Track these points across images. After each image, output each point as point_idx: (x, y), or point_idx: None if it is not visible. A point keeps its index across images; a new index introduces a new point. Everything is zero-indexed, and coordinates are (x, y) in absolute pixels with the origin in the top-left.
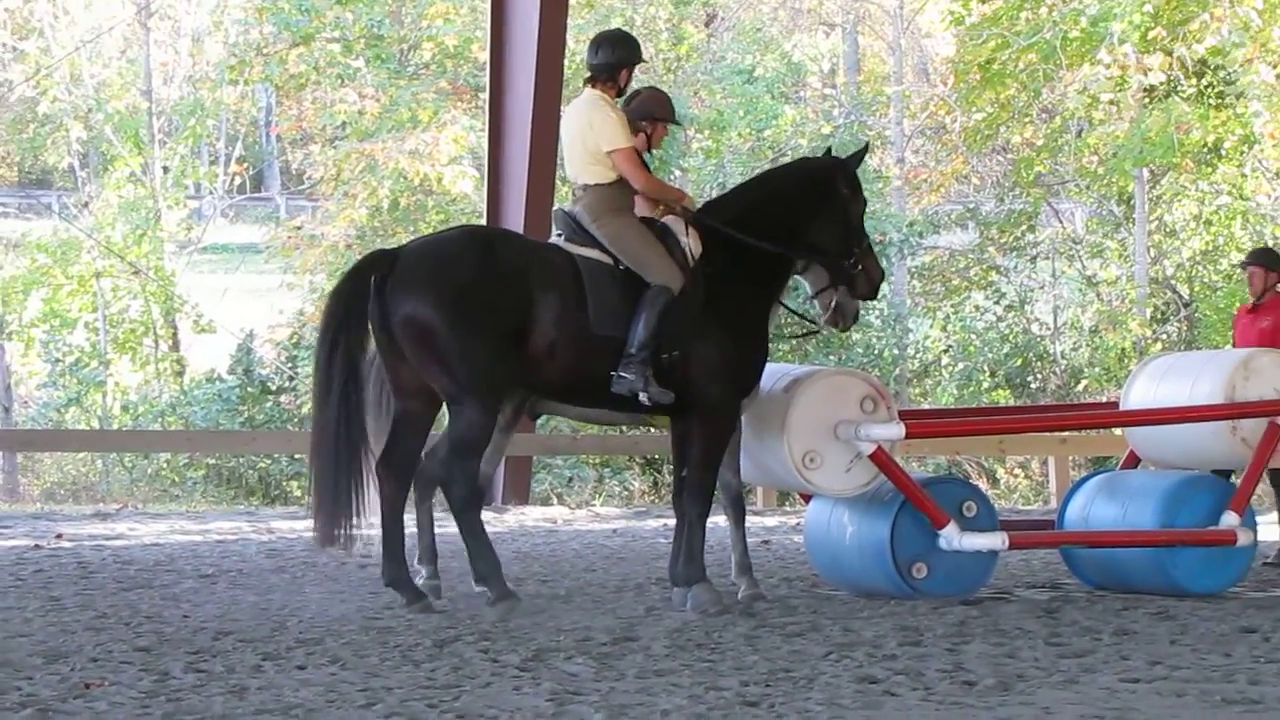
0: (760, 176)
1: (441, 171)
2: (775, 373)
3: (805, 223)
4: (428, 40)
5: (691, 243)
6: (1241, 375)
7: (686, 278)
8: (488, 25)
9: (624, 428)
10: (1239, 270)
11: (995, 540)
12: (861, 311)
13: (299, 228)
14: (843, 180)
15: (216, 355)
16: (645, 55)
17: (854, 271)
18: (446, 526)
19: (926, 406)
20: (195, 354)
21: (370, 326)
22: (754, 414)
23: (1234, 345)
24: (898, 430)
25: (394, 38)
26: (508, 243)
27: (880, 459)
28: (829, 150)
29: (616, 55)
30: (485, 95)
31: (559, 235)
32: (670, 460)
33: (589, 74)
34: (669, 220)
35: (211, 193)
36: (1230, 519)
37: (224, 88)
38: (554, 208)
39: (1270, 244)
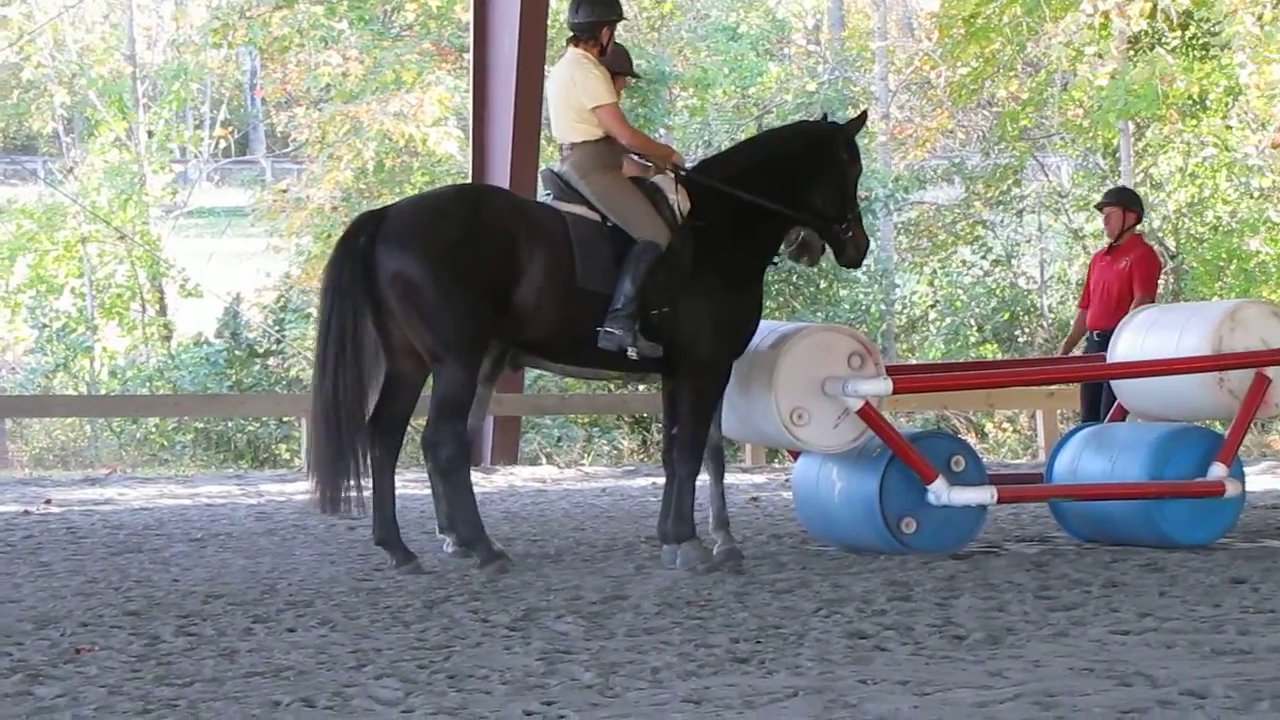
0: (758, 136)
1: (426, 133)
2: (763, 330)
3: (803, 184)
4: (411, 1)
5: (681, 200)
6: (1228, 327)
7: (674, 234)
8: None
9: (612, 386)
10: (1225, 220)
11: (984, 495)
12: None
13: (285, 191)
14: (842, 145)
15: (203, 319)
16: (628, 13)
17: (844, 237)
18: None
19: (914, 362)
20: (182, 318)
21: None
22: (741, 371)
23: (1089, 289)
24: (885, 385)
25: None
26: (495, 199)
27: (868, 414)
28: (824, 116)
29: (597, 13)
30: (469, 56)
31: (548, 195)
32: (659, 418)
33: (571, 33)
34: (658, 179)
35: (196, 157)
36: (1218, 470)
37: (208, 51)
38: (541, 168)
39: (1254, 195)
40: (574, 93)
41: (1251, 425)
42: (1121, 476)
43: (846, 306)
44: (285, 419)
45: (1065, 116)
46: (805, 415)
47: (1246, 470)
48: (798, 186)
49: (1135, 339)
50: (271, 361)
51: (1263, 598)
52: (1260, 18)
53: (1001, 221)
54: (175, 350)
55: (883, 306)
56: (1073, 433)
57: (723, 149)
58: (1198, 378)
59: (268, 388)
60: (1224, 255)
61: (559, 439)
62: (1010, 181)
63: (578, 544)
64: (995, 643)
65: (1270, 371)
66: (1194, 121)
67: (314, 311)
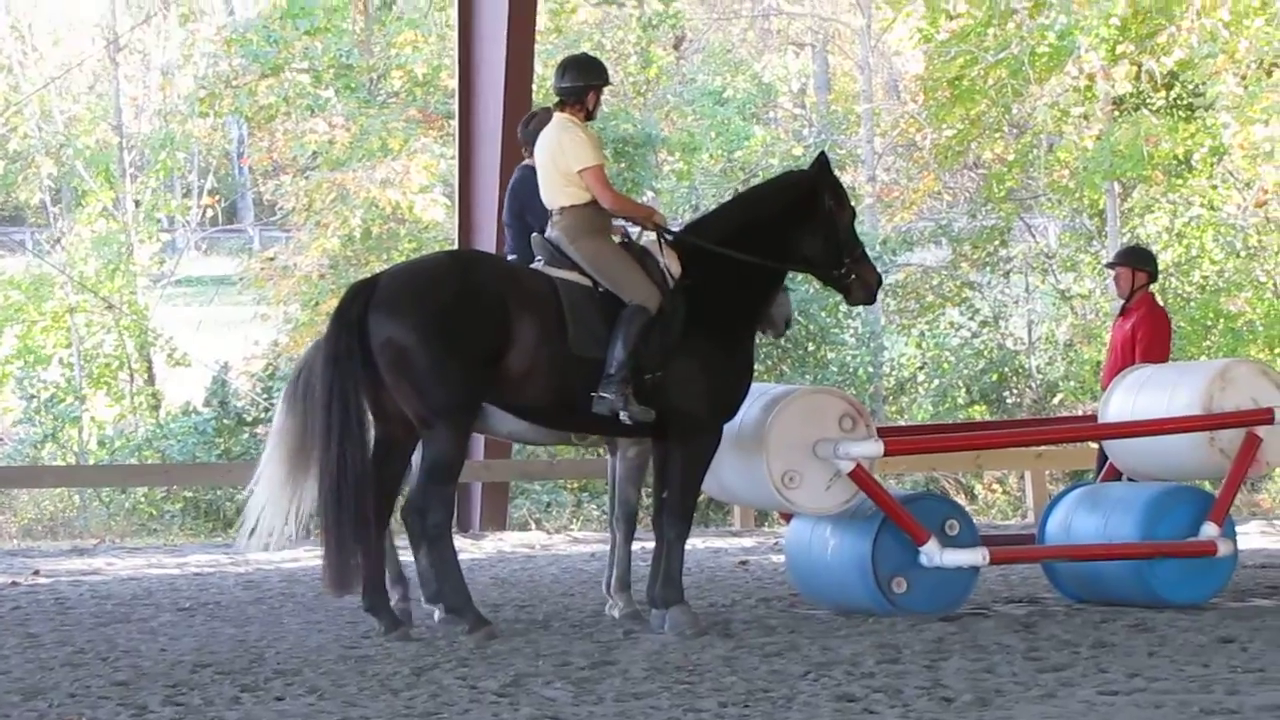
0: (743, 194)
1: (413, 199)
2: (754, 392)
3: (792, 236)
4: (396, 69)
5: (670, 263)
6: (1219, 386)
7: (664, 298)
8: (455, 53)
9: (600, 451)
10: (1212, 279)
11: (976, 556)
12: (838, 330)
13: (272, 258)
14: (827, 191)
15: (192, 388)
16: (614, 78)
17: (848, 280)
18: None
19: (902, 423)
20: (170, 387)
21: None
22: (733, 433)
23: (1108, 354)
24: (877, 447)
25: (363, 67)
26: (485, 265)
27: (860, 476)
28: (822, 154)
29: (582, 78)
30: (454, 123)
31: (539, 260)
32: (648, 483)
33: (557, 98)
34: (646, 242)
35: (184, 225)
36: (1210, 530)
37: (194, 120)
38: (534, 235)
39: (1239, 254)
40: (561, 157)
41: (1242, 484)
42: (1114, 536)
43: (835, 369)
44: None
45: (1051, 178)
46: (797, 478)
47: (1237, 529)
48: (787, 240)
49: (1127, 399)
50: (260, 430)
51: (1251, 657)
52: (1244, 78)
53: (989, 283)
54: (164, 419)
55: (871, 369)
56: (1065, 493)
57: (709, 209)
58: (1189, 437)
59: (256, 456)
60: (1211, 315)
61: (548, 504)
62: (997, 243)
63: (566, 609)
64: (984, 704)
65: (1261, 430)
66: (1180, 182)
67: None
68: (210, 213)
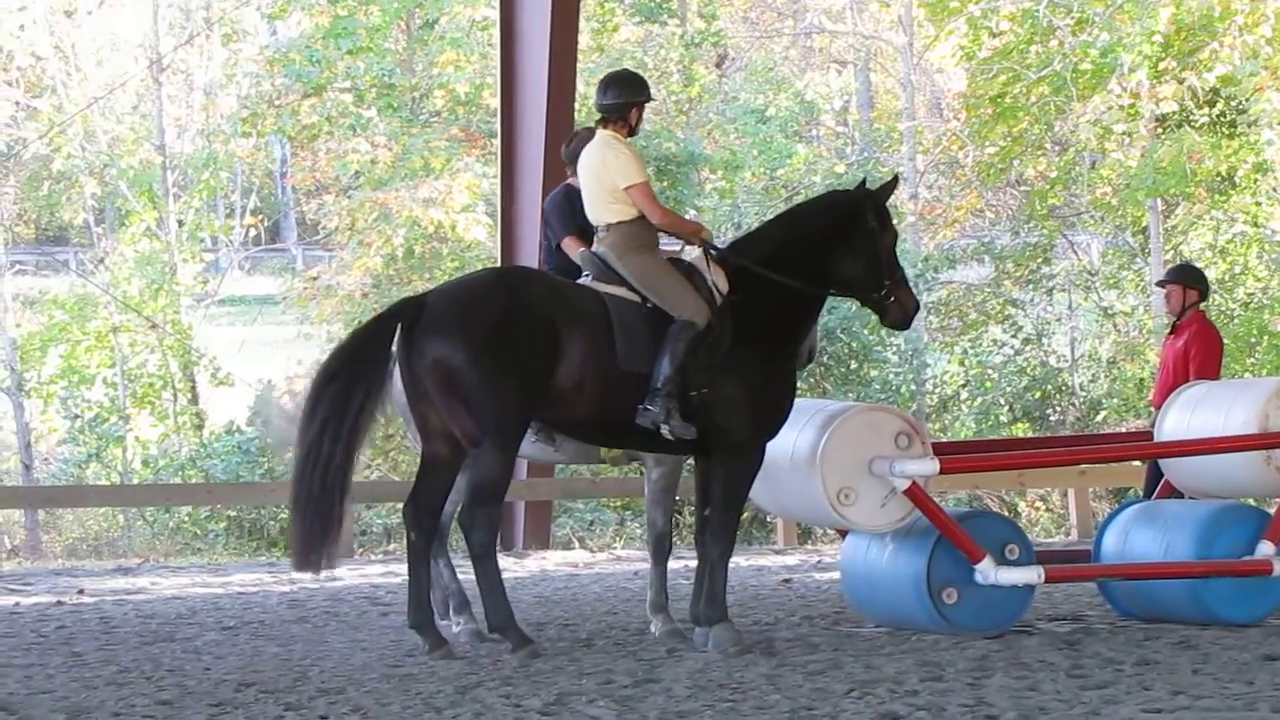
0: (788, 212)
1: (455, 219)
2: (810, 408)
3: (834, 257)
4: (439, 88)
5: (718, 279)
6: (1275, 404)
7: (713, 314)
8: (498, 72)
9: (641, 470)
10: (1256, 296)
11: (1031, 574)
12: (881, 348)
13: (315, 278)
14: (872, 212)
15: (235, 407)
16: (656, 96)
17: (887, 302)
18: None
19: (944, 440)
20: (214, 407)
21: (400, 371)
22: (789, 450)
23: (1159, 371)
24: (932, 465)
25: (405, 86)
26: (534, 282)
27: (915, 494)
28: (863, 182)
29: (625, 95)
30: (497, 142)
31: (587, 276)
32: (691, 501)
33: (600, 115)
34: (694, 259)
35: (227, 245)
36: (1266, 548)
37: (237, 140)
38: (583, 251)
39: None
40: (606, 174)
41: None
42: (1169, 555)
43: (877, 387)
44: None
45: (1094, 195)
46: (852, 495)
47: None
48: (829, 261)
49: (1182, 416)
50: None
51: None
52: None
53: (1032, 300)
54: (207, 439)
55: (913, 386)
56: (1120, 510)
57: (754, 227)
58: (1245, 455)
59: None
60: (1255, 331)
61: (591, 523)
62: (1040, 260)
63: (609, 628)
64: None
65: None
66: (1223, 199)
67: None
68: (253, 232)
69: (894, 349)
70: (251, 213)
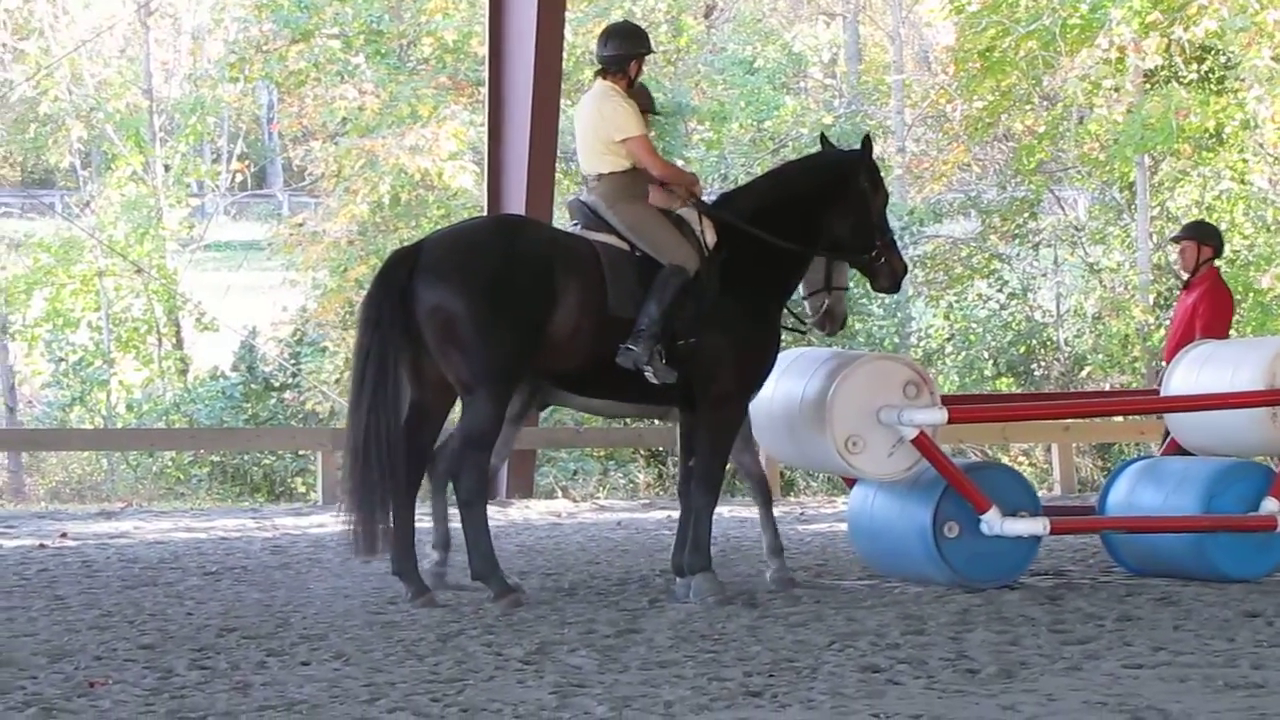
0: (778, 169)
1: (442, 166)
2: (818, 357)
3: (824, 217)
4: (427, 35)
5: (707, 232)
6: None
7: (702, 263)
8: (486, 20)
9: (628, 420)
10: (1242, 253)
11: (1037, 525)
12: (865, 300)
13: (301, 224)
14: (864, 173)
15: (220, 353)
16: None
17: (876, 264)
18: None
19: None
20: (199, 352)
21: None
22: (798, 398)
23: (1170, 327)
24: (940, 415)
25: (393, 33)
26: (531, 230)
27: (923, 444)
28: (867, 136)
29: (625, 47)
30: (485, 90)
31: (575, 225)
32: (674, 452)
33: (599, 66)
34: (683, 210)
35: (213, 190)
36: (1271, 505)
37: (224, 85)
38: (568, 198)
39: (1270, 228)
40: (602, 125)
41: None
42: (1174, 510)
43: (862, 340)
44: (301, 453)
45: (1081, 150)
46: (860, 443)
47: None
48: (820, 220)
49: (1189, 374)
50: (287, 395)
51: (1277, 632)
52: (1275, 50)
53: (1018, 255)
54: (191, 384)
55: (898, 340)
56: (1125, 465)
57: (745, 181)
58: (1251, 413)
59: (283, 421)
60: (1240, 289)
61: (574, 472)
62: (1026, 215)
63: (592, 577)
64: (1009, 676)
65: None
66: (1210, 155)
67: (350, 345)
68: (239, 178)
69: (879, 302)
70: (238, 158)
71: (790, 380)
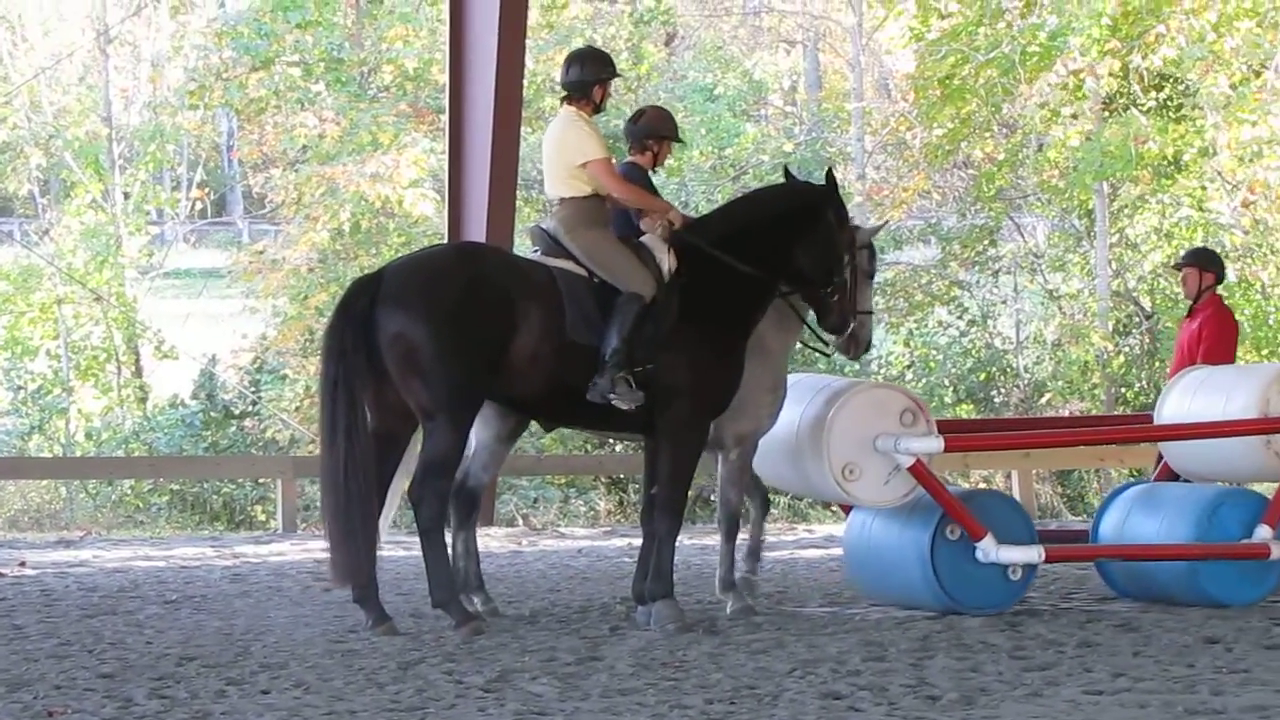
0: (748, 196)
1: (402, 194)
2: (815, 385)
3: (789, 246)
4: (387, 63)
5: (667, 258)
6: (1276, 389)
7: (660, 289)
8: (447, 47)
9: (589, 447)
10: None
11: (1032, 554)
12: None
13: (261, 252)
14: (832, 210)
15: (179, 381)
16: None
17: (830, 301)
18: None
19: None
20: (158, 380)
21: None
22: (795, 426)
23: (1175, 353)
24: (937, 444)
25: (354, 61)
26: (491, 257)
27: (919, 472)
28: (829, 171)
29: (589, 72)
30: (445, 117)
31: (536, 251)
32: (636, 479)
33: (564, 92)
34: (647, 238)
35: (173, 218)
36: (1264, 532)
37: (184, 113)
38: (530, 224)
39: (1230, 255)
40: (566, 149)
41: None
42: (1168, 537)
43: (822, 366)
44: (261, 481)
45: (1041, 177)
46: (857, 470)
47: None
48: (783, 250)
49: (1183, 400)
50: (248, 423)
51: (1236, 658)
52: (1232, 78)
53: (978, 282)
54: (151, 412)
55: (858, 366)
56: (1118, 492)
57: (708, 209)
58: (1245, 440)
59: (243, 449)
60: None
61: (535, 500)
62: (986, 242)
63: (553, 605)
64: (969, 703)
65: None
66: (1169, 182)
67: (311, 372)
68: (199, 205)
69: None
70: (198, 186)
71: (788, 407)
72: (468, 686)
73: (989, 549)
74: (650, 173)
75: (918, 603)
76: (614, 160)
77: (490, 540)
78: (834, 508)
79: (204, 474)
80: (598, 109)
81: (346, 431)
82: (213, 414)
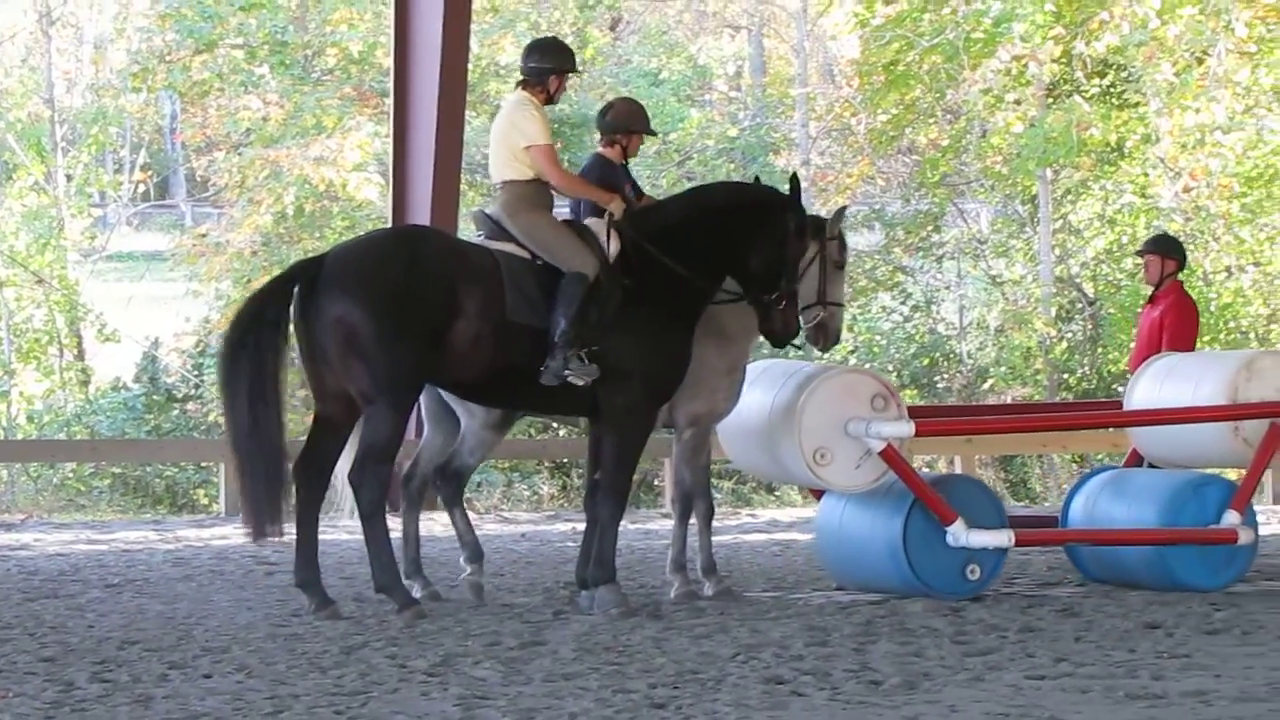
0: (697, 192)
1: (346, 178)
2: (786, 370)
3: (736, 246)
4: (332, 46)
5: (611, 244)
6: (1244, 376)
7: (602, 269)
8: (391, 31)
9: (532, 431)
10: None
11: (1002, 538)
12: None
13: (204, 235)
14: (790, 217)
15: (122, 364)
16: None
17: (774, 309)
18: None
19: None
20: (100, 363)
21: (295, 330)
22: (766, 410)
23: (1136, 340)
24: (908, 428)
25: (298, 44)
26: (432, 241)
27: (890, 456)
28: (794, 176)
29: (548, 61)
30: (390, 101)
31: (479, 235)
32: (580, 464)
33: (521, 77)
34: (590, 220)
35: (115, 201)
36: (1232, 518)
37: (127, 95)
38: (473, 209)
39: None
40: (511, 132)
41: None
42: (1137, 522)
43: (765, 351)
44: (203, 464)
45: (985, 164)
46: (828, 455)
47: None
48: (729, 248)
49: (1152, 387)
50: (190, 406)
51: (1177, 643)
52: (1175, 65)
53: (921, 268)
54: (93, 395)
55: (801, 353)
56: (1088, 477)
57: (660, 195)
58: (1214, 426)
59: (186, 433)
60: (1140, 302)
61: (478, 484)
62: (930, 228)
63: (497, 589)
64: (911, 688)
65: None
66: (1111, 169)
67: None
68: (142, 188)
69: None
70: (141, 168)
71: (759, 393)
72: (411, 671)
73: (959, 533)
74: (623, 165)
75: (889, 587)
76: (556, 149)
77: (434, 525)
78: (775, 492)
79: (146, 457)
80: (550, 99)
81: (249, 394)
82: (155, 397)
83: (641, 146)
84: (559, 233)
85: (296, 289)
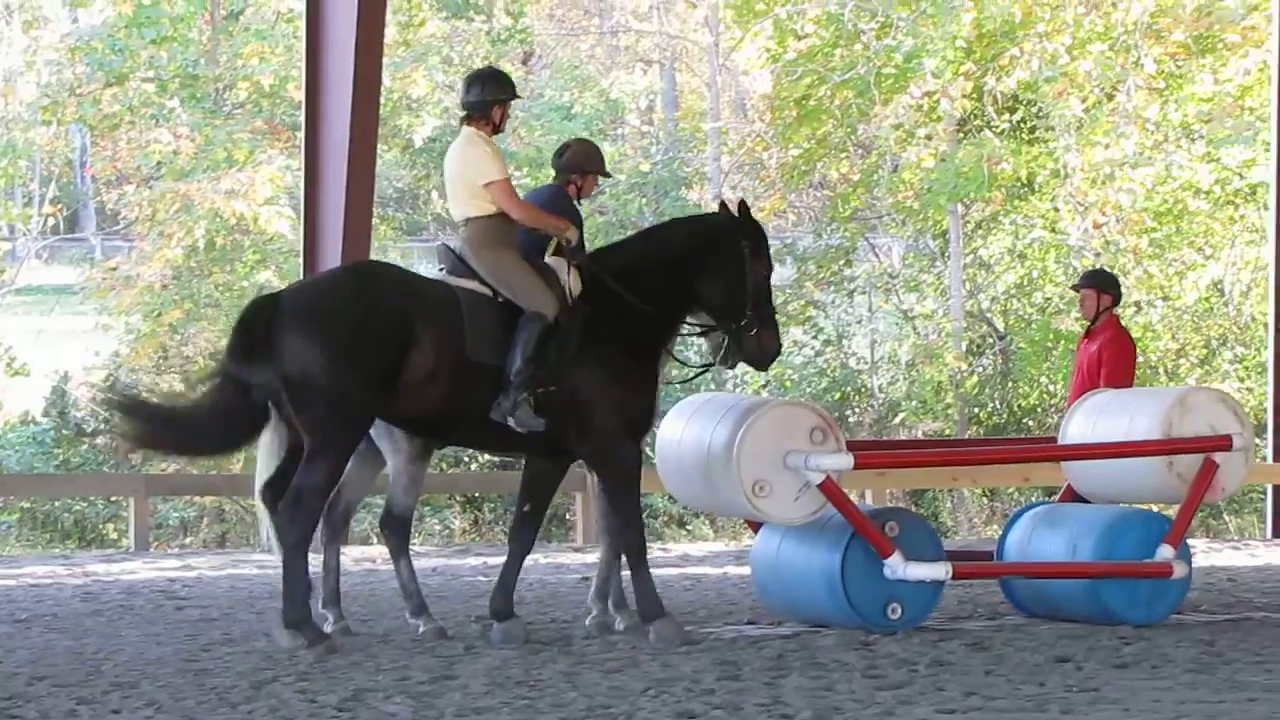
0: (657, 228)
1: (258, 211)
2: (725, 403)
3: (693, 279)
4: (243, 79)
5: (571, 282)
6: (1178, 412)
7: (563, 311)
8: (303, 64)
9: (444, 465)
10: (1054, 301)
11: (939, 570)
12: (678, 347)
13: (114, 268)
14: (744, 238)
15: (31, 398)
16: (457, 91)
17: (745, 335)
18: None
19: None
20: (9, 397)
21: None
22: (705, 443)
23: (1073, 375)
24: (847, 460)
25: (209, 77)
26: (387, 278)
27: (829, 489)
28: (742, 203)
29: (489, 92)
30: (301, 134)
31: (441, 269)
32: (490, 498)
33: (464, 112)
34: (551, 260)
35: (25, 234)
36: (1166, 552)
37: (37, 128)
38: (440, 243)
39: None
40: (468, 170)
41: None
42: (1072, 555)
43: (677, 385)
44: (113, 499)
45: (896, 198)
46: (767, 487)
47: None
48: (689, 283)
49: (1087, 422)
50: (99, 441)
51: (1086, 677)
52: (1085, 101)
53: (833, 302)
54: (1, 429)
55: (714, 386)
56: (1023, 511)
57: (624, 236)
58: (1148, 461)
59: (95, 467)
60: (1051, 336)
61: None
62: (842, 262)
63: (407, 624)
64: None
65: (1218, 456)
66: (1021, 203)
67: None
68: (52, 221)
69: (695, 349)
70: (50, 201)
71: (698, 425)
72: (321, 706)
73: (897, 566)
74: (576, 204)
75: (826, 620)
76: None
77: (345, 558)
78: (687, 526)
79: (55, 492)
80: (497, 129)
81: (209, 391)
82: (64, 431)
83: (547, 178)
84: (521, 271)
85: (259, 330)
